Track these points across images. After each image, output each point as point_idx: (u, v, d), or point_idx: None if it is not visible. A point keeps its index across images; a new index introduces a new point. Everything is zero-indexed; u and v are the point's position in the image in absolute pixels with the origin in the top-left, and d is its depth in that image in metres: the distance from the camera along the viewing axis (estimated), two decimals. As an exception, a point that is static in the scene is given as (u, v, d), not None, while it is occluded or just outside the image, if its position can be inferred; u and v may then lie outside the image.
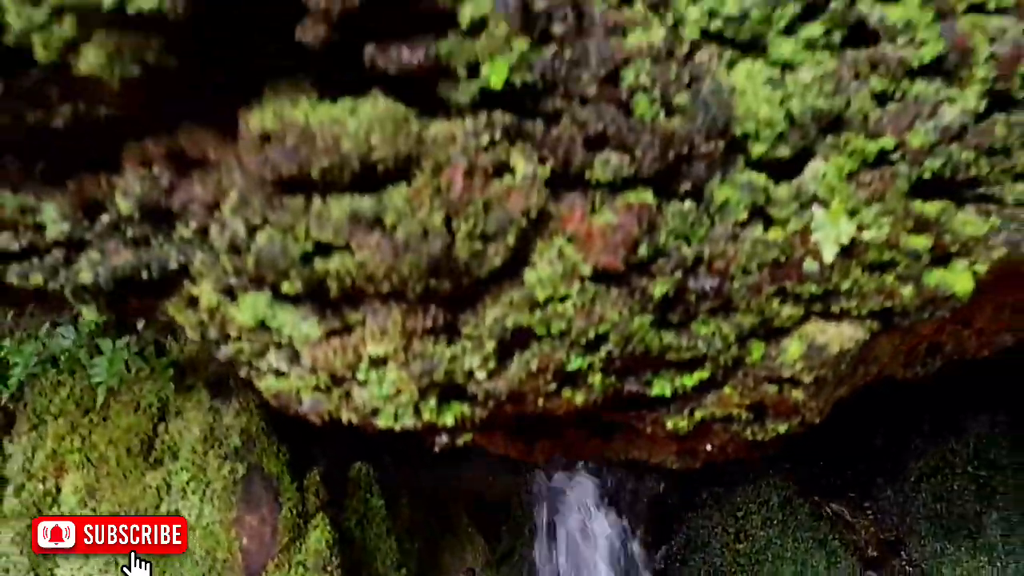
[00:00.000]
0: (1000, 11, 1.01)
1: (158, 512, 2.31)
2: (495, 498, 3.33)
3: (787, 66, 1.02)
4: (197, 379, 2.52)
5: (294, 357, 1.04)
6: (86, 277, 1.07)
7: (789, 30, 1.00)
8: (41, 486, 2.37)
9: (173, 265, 1.05)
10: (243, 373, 1.14)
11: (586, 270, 0.97)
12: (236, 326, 1.06)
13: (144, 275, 1.07)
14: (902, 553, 3.13)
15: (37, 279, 1.08)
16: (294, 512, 2.26)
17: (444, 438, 1.08)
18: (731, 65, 1.00)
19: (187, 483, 2.33)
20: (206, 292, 1.05)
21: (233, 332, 1.08)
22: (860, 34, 1.03)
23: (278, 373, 1.09)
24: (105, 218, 1.07)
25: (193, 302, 1.10)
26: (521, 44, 0.84)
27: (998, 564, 2.88)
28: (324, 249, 0.91)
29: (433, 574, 2.71)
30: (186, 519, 2.28)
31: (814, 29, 1.00)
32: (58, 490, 2.38)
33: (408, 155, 0.87)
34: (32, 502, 2.35)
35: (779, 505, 3.22)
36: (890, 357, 1.39)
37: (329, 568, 2.22)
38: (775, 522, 3.18)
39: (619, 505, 3.41)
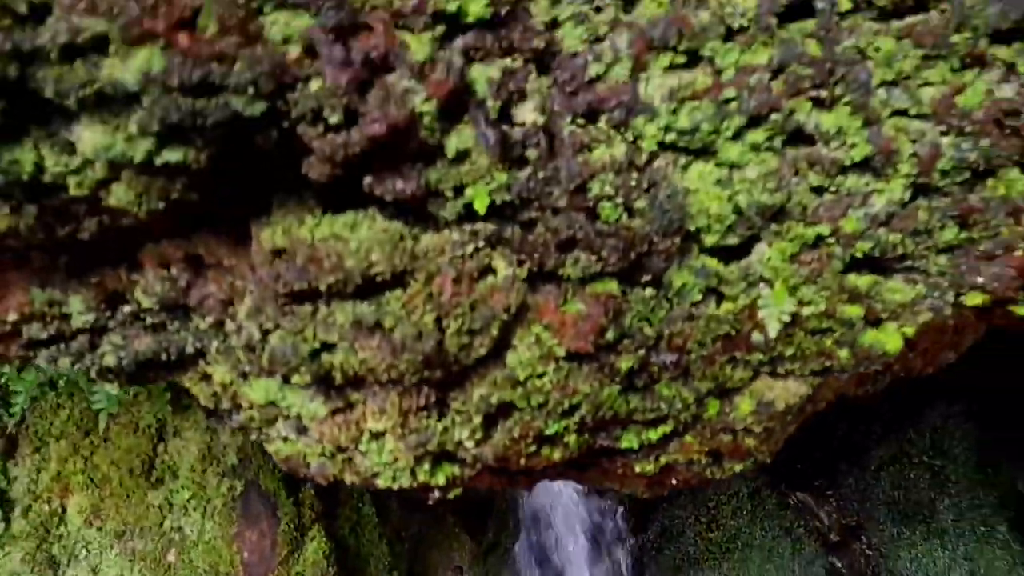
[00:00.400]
0: (920, 116, 1.15)
1: (161, 530, 2.44)
2: (479, 495, 3.48)
3: (734, 166, 1.15)
4: (191, 399, 2.64)
5: (302, 429, 1.17)
6: (110, 360, 1.19)
7: (736, 136, 1.13)
8: (47, 507, 2.48)
9: (190, 350, 1.17)
10: (253, 437, 1.26)
11: (560, 352, 1.11)
12: (248, 401, 1.19)
13: (163, 357, 1.19)
14: (862, 538, 3.34)
15: (65, 363, 1.19)
16: (291, 525, 2.40)
17: (437, 494, 1.22)
18: (685, 168, 1.13)
19: (188, 500, 2.46)
20: (220, 372, 1.18)
21: (245, 405, 1.21)
22: (799, 137, 1.16)
23: (287, 440, 1.22)
24: (126, 308, 1.18)
25: (207, 378, 1.22)
26: (500, 176, 0.97)
27: (949, 547, 3.10)
28: (330, 347, 1.03)
29: (423, 573, 2.87)
30: (187, 536, 2.42)
31: (758, 135, 1.14)
32: (63, 510, 2.49)
33: (403, 267, 0.99)
34: (40, 522, 2.46)
35: (748, 496, 3.42)
36: (835, 393, 1.54)
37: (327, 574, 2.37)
38: (744, 512, 3.37)
39: (600, 495, 3.59)
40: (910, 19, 1.13)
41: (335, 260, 0.97)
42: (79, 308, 1.17)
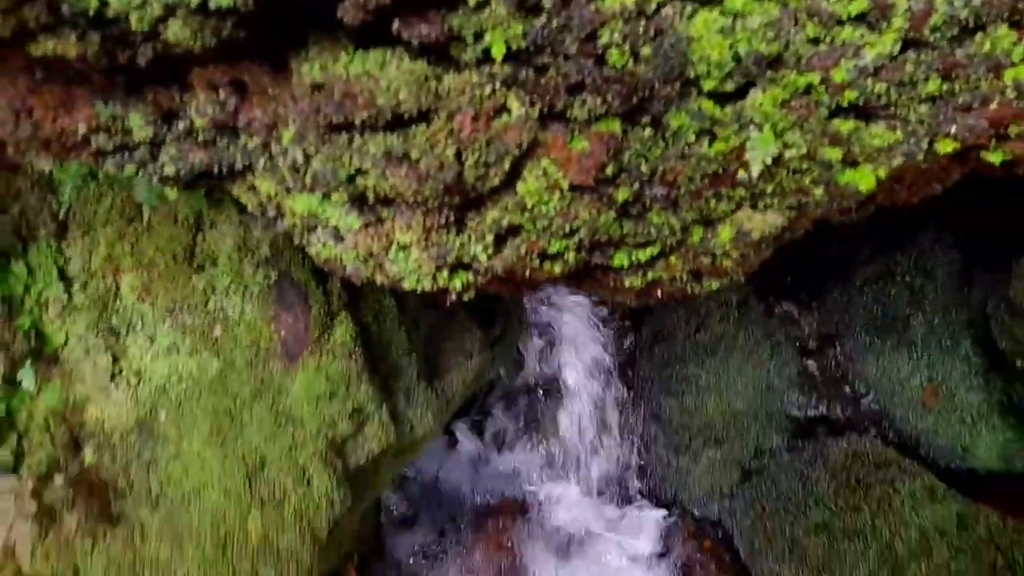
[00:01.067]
0: (922, -29, 1.20)
1: (206, 308, 2.73)
2: (488, 296, 3.78)
3: (738, 15, 1.23)
4: (224, 194, 2.82)
5: (339, 237, 1.36)
6: (169, 170, 1.36)
7: (742, -14, 1.20)
8: (102, 283, 2.76)
9: (239, 165, 1.33)
10: (296, 240, 1.46)
11: (565, 184, 1.26)
12: (291, 211, 1.37)
13: (215, 170, 1.36)
14: (837, 346, 3.67)
15: (130, 170, 1.37)
16: (322, 311, 2.69)
17: (454, 296, 1.43)
18: (691, 16, 1.21)
19: (228, 285, 2.73)
20: (266, 185, 1.35)
21: (288, 214, 1.39)
22: (803, -14, 1.23)
23: (325, 245, 1.41)
24: (180, 125, 1.33)
25: (254, 189, 1.40)
26: (516, 25, 1.07)
27: (914, 357, 3.41)
28: (364, 172, 1.19)
29: (436, 359, 3.22)
30: (230, 315, 2.72)
31: (763, -15, 1.20)
32: (117, 287, 2.77)
33: (428, 105, 1.12)
34: (98, 296, 2.74)
35: (736, 304, 3.70)
36: (815, 221, 1.71)
37: (353, 356, 2.69)
38: (731, 318, 3.67)
39: (601, 302, 3.89)
40: None
41: (368, 96, 1.10)
42: (138, 123, 1.32)
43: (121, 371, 2.69)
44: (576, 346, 4.02)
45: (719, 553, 3.21)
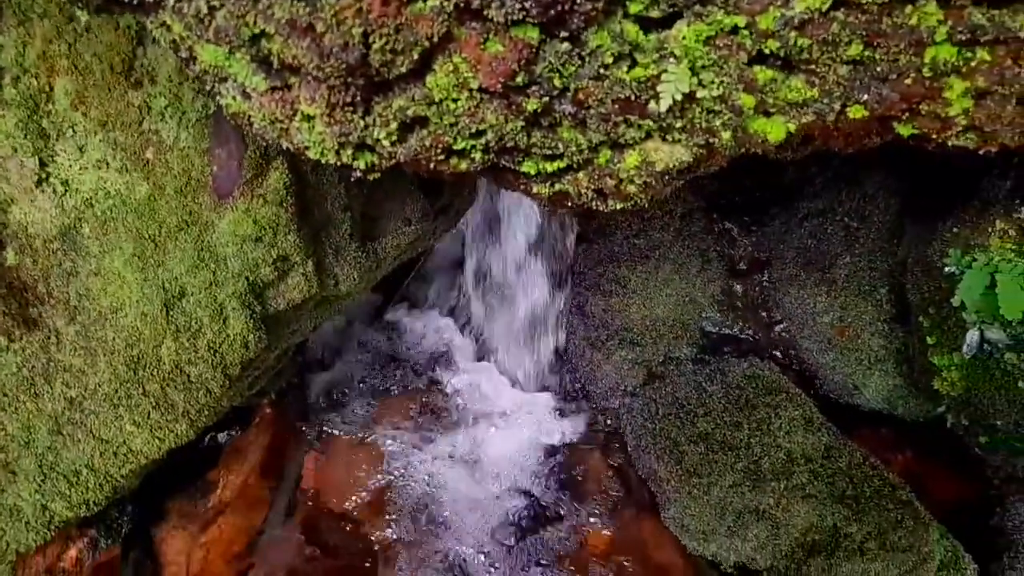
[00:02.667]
0: (864, -69, 1.18)
1: (140, 128, 2.68)
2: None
3: (675, -59, 1.20)
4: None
5: (246, 95, 1.34)
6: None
7: (683, -89, 1.16)
8: (35, 81, 2.67)
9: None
10: (208, 87, 1.44)
11: (474, 84, 1.26)
12: (200, 58, 1.34)
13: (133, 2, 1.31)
14: (765, 272, 3.79)
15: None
16: (258, 153, 2.65)
17: (358, 174, 1.45)
18: (627, -67, 1.18)
19: (165, 108, 2.66)
20: (176, 27, 1.31)
21: (198, 60, 1.37)
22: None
23: (235, 99, 1.40)
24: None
25: (167, 26, 1.36)
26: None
27: (832, 295, 3.55)
28: (269, 36, 1.16)
29: (374, 220, 3.24)
30: (164, 139, 2.67)
31: (705, -86, 1.16)
32: (51, 88, 2.69)
33: (338, -20, 1.09)
34: (29, 94, 2.66)
35: (680, 215, 3.76)
36: (729, 160, 1.73)
37: (284, 204, 2.70)
38: (671, 228, 3.74)
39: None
40: None
41: (277, -41, 1.07)
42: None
43: (48, 177, 2.66)
44: (519, 229, 4.06)
45: (609, 445, 3.44)
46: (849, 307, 3.55)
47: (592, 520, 3.15)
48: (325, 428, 3.61)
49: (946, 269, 2.73)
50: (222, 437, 3.59)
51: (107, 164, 2.68)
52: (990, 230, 2.64)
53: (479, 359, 4.01)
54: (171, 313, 2.66)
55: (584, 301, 3.83)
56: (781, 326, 3.74)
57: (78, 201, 2.67)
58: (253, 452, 3.55)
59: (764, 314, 3.78)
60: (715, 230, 3.87)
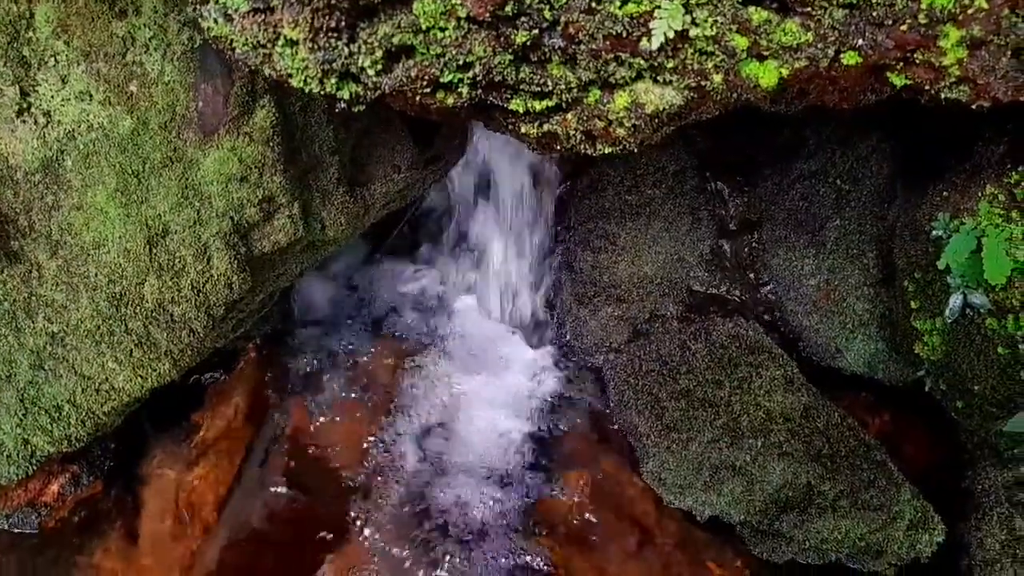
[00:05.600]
0: None
1: (124, 60, 2.62)
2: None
3: None
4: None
5: (228, 17, 1.31)
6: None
7: None
8: (15, 7, 2.59)
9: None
10: (190, 11, 1.40)
11: (462, 13, 1.22)
12: (183, -22, 1.30)
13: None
14: (755, 233, 3.78)
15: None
16: (244, 90, 2.60)
17: (343, 105, 1.42)
18: None
19: (150, 40, 2.59)
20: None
21: (181, -20, 1.32)
22: None
23: (216, 22, 1.36)
24: None
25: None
26: None
27: (820, 257, 3.56)
28: (251, -48, 1.13)
29: (363, 165, 3.20)
30: (148, 72, 2.61)
31: None
32: (31, 15, 2.61)
33: None
34: (10, 19, 2.58)
35: (672, 173, 3.73)
36: (724, 106, 1.71)
37: (271, 143, 2.65)
38: (663, 185, 3.72)
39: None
40: None
41: None
42: None
43: (29, 107, 2.61)
44: (512, 180, 4.03)
45: (592, 402, 3.46)
46: (836, 270, 3.56)
47: (572, 470, 3.20)
48: (310, 373, 3.61)
49: (933, 233, 2.73)
50: (206, 379, 3.59)
51: (90, 96, 2.63)
52: (980, 194, 2.63)
53: (465, 303, 4.01)
54: (154, 251, 2.63)
55: (573, 257, 3.82)
56: (768, 287, 3.75)
57: (60, 133, 2.62)
58: (237, 395, 3.56)
59: (752, 275, 3.78)
60: (707, 189, 3.85)
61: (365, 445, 3.39)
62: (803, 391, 3.12)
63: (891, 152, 3.47)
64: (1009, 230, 2.49)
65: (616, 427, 3.33)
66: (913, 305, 3.05)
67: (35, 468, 2.84)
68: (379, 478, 3.24)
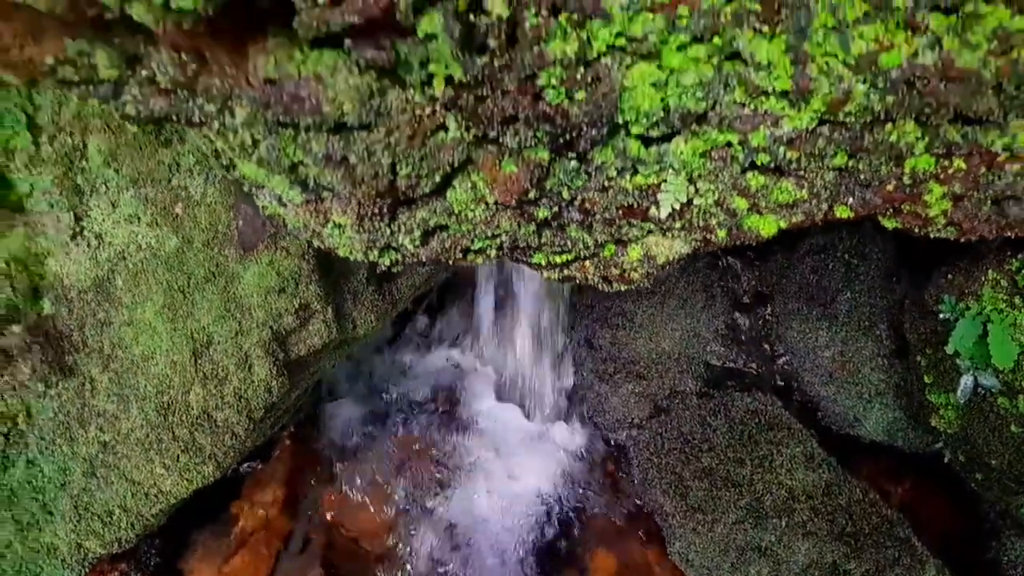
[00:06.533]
0: (845, 63, 1.30)
1: (170, 184, 2.82)
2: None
3: (674, 71, 1.32)
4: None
5: (282, 203, 1.47)
6: (131, 111, 1.45)
7: (680, 48, 1.28)
8: (70, 140, 2.81)
9: (196, 120, 1.42)
10: (245, 190, 1.57)
11: (491, 199, 1.38)
12: (241, 171, 1.48)
13: (174, 117, 1.45)
14: (768, 305, 3.89)
15: (94, 102, 1.46)
16: (281, 207, 2.79)
17: (383, 267, 1.57)
18: (629, 67, 1.30)
19: (193, 165, 2.80)
20: (220, 143, 1.44)
21: (239, 171, 1.50)
22: (736, 56, 1.31)
23: (271, 203, 1.53)
24: (143, 72, 1.40)
25: (210, 139, 1.50)
26: (457, 66, 1.15)
27: (833, 330, 3.66)
28: (306, 164, 1.29)
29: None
30: (193, 195, 2.81)
31: (699, 51, 1.29)
32: (85, 146, 2.83)
33: (369, 121, 1.22)
34: (65, 153, 2.80)
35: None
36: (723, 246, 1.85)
37: (306, 256, 2.83)
38: (676, 264, 3.85)
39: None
40: (871, -28, 1.22)
41: (314, 104, 1.20)
42: (104, 62, 1.39)
43: (83, 231, 2.80)
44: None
45: (616, 478, 3.55)
46: (850, 342, 3.65)
47: (599, 551, 3.27)
48: (341, 460, 3.73)
49: (941, 315, 2.83)
50: (244, 468, 3.72)
51: (138, 218, 2.83)
52: (983, 279, 2.74)
53: (490, 383, 4.12)
54: (199, 361, 2.80)
55: (592, 333, 3.95)
56: (783, 359, 3.84)
57: (111, 254, 2.81)
58: (274, 483, 3.68)
59: (767, 347, 3.88)
60: (719, 265, 3.98)
61: (393, 531, 3.49)
62: (824, 467, 3.20)
63: (892, 233, 3.59)
64: (1013, 316, 2.59)
65: (642, 505, 3.41)
66: (927, 379, 3.14)
67: (87, 570, 2.97)
68: (408, 563, 3.33)
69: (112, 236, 2.81)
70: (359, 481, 3.67)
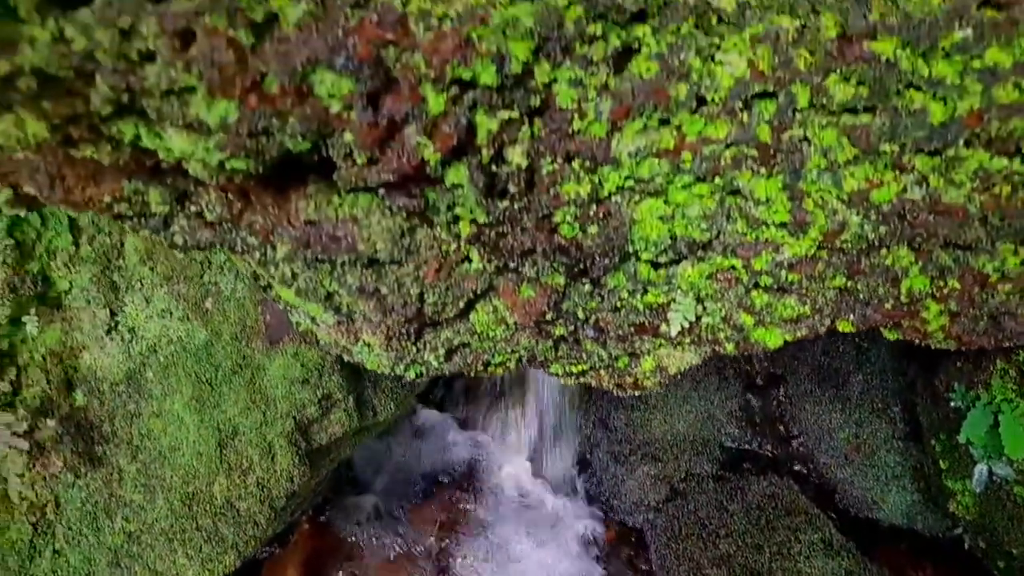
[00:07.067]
0: (839, 199, 1.40)
1: (201, 280, 2.96)
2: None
3: (679, 206, 1.43)
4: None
5: (315, 322, 1.58)
6: (179, 240, 1.57)
7: (684, 187, 1.40)
8: (108, 240, 2.97)
9: (239, 249, 1.54)
10: (282, 307, 1.68)
11: (510, 321, 1.48)
12: (277, 294, 1.59)
13: (218, 245, 1.57)
14: (781, 387, 3.94)
15: (144, 232, 1.58)
16: (306, 301, 2.92)
17: (408, 380, 1.67)
18: (638, 202, 1.41)
19: (224, 263, 2.94)
20: (259, 271, 1.56)
21: (276, 294, 1.61)
22: (736, 191, 1.42)
23: (304, 321, 1.64)
24: (192, 207, 1.53)
25: (250, 264, 1.61)
26: (481, 212, 1.27)
27: (847, 412, 3.69)
28: (340, 294, 1.40)
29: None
30: (223, 290, 2.94)
31: (703, 188, 1.40)
32: (122, 245, 2.99)
33: (400, 258, 1.33)
34: (103, 252, 2.96)
35: (697, 334, 3.94)
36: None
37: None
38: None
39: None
40: (857, 118, 1.33)
41: (350, 243, 1.31)
42: (157, 199, 1.52)
43: (117, 325, 2.93)
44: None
45: (635, 563, 3.55)
46: (864, 424, 3.68)
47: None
48: (359, 541, 3.75)
49: (952, 404, 2.87)
50: (262, 553, 3.74)
51: (171, 313, 2.95)
52: (992, 368, 2.79)
53: (508, 464, 4.15)
54: (224, 452, 2.87)
55: (606, 414, 3.99)
56: (798, 440, 3.86)
57: (143, 347, 2.92)
58: (290, 569, 3.70)
59: (781, 428, 3.91)
60: (732, 346, 4.04)
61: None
62: (843, 554, 3.19)
63: (905, 310, 3.65)
64: (1023, 406, 2.63)
65: (660, 591, 3.39)
66: (942, 464, 3.15)
67: (109, 660, 2.99)
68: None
69: (145, 330, 2.93)
70: (376, 560, 3.68)
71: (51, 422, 2.82)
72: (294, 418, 2.95)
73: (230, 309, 2.96)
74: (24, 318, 2.90)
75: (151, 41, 1.05)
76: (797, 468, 3.82)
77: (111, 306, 2.95)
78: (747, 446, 3.88)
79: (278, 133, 1.13)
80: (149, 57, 1.08)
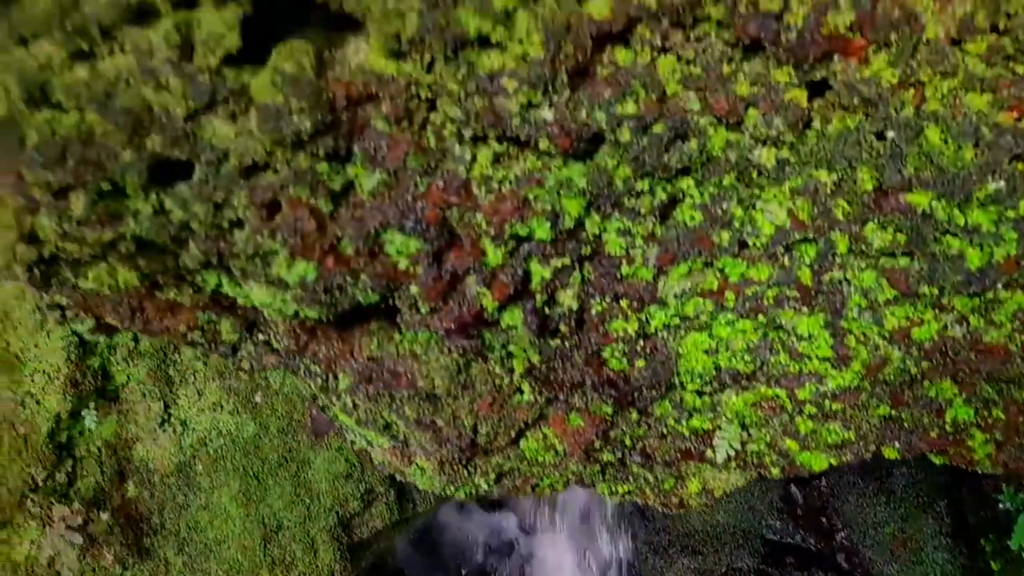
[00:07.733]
0: (881, 335, 1.45)
1: (252, 376, 3.06)
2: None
3: (723, 340, 1.48)
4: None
5: (370, 444, 1.65)
6: (246, 365, 1.66)
7: (728, 324, 1.46)
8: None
9: (302, 375, 1.62)
10: (338, 428, 1.76)
11: (560, 448, 1.53)
12: (335, 415, 1.66)
13: (283, 368, 1.65)
14: (823, 479, 3.88)
15: (213, 359, 1.67)
16: (351, 395, 3.00)
17: (459, 499, 1.72)
18: (683, 337, 1.47)
19: (273, 356, 3.06)
20: (321, 396, 1.64)
21: (334, 414, 1.69)
22: (778, 326, 1.48)
23: (359, 441, 1.71)
24: (260, 336, 1.63)
25: (310, 386, 1.69)
26: (534, 352, 1.34)
27: (892, 505, 3.62)
28: (398, 424, 1.47)
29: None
30: (272, 385, 3.03)
31: (746, 325, 1.46)
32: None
33: (456, 392, 1.40)
34: (160, 347, 3.09)
35: (736, 423, 3.93)
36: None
37: (373, 441, 3.01)
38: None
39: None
40: (895, 261, 1.39)
41: (410, 379, 1.39)
42: (227, 329, 1.62)
43: (170, 417, 3.03)
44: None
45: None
46: (909, 519, 3.60)
47: None
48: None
49: (1001, 505, 2.82)
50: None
51: (221, 407, 3.04)
52: (1040, 470, 2.74)
53: (545, 551, 4.12)
54: (268, 546, 2.92)
55: (645, 504, 3.96)
56: (842, 534, 3.79)
57: (194, 440, 3.01)
58: (329, 660, 3.67)
59: (824, 521, 3.84)
60: (771, 435, 4.02)
61: None
62: (893, 661, 3.09)
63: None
64: (1074, 512, 2.57)
65: None
66: (994, 566, 3.07)
67: None
68: None
69: (196, 423, 3.03)
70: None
71: (104, 515, 2.90)
72: (337, 512, 2.99)
73: (278, 403, 3.04)
74: (83, 411, 3.01)
75: (240, 211, 1.16)
76: (841, 563, 3.73)
77: (165, 399, 3.05)
78: (790, 539, 3.81)
79: (351, 288, 1.23)
80: (238, 224, 1.18)
